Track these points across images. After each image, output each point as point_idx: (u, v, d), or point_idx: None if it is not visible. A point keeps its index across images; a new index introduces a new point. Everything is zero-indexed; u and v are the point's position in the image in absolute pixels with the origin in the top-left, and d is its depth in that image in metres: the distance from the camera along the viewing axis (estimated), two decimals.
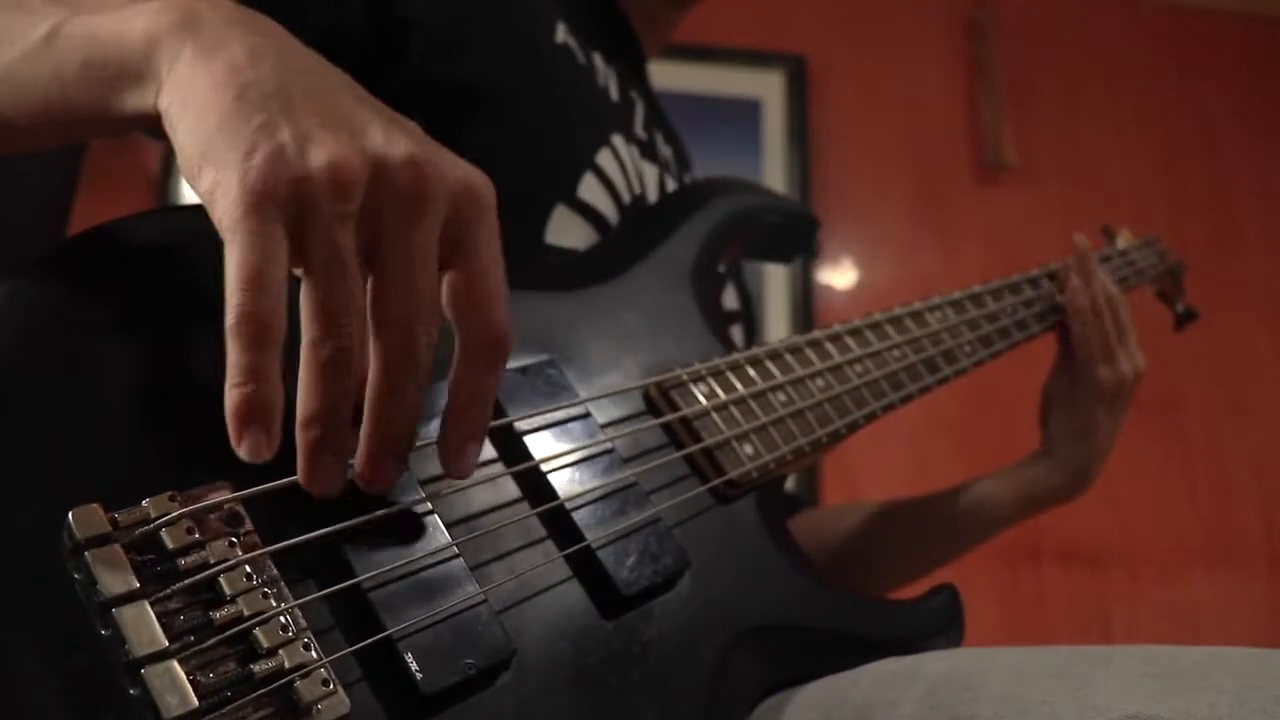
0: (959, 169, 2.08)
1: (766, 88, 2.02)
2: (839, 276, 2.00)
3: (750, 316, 0.81)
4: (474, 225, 0.37)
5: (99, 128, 0.40)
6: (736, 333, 0.77)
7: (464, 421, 0.39)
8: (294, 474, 0.36)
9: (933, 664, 0.47)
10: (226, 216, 0.32)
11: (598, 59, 0.74)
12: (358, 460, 0.37)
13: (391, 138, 0.35)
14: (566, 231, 0.64)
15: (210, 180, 0.33)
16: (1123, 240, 1.02)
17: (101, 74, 0.38)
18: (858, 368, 0.65)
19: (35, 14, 0.40)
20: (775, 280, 1.90)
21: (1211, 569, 1.91)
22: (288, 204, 0.33)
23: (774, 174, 1.98)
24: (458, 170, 0.37)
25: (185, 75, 0.35)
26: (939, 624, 0.60)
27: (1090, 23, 2.23)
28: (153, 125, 0.37)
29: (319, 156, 0.33)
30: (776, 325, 1.87)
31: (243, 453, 0.33)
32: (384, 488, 0.39)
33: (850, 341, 0.66)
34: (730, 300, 0.76)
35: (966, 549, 0.86)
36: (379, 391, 0.36)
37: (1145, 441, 1.94)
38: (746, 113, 2.00)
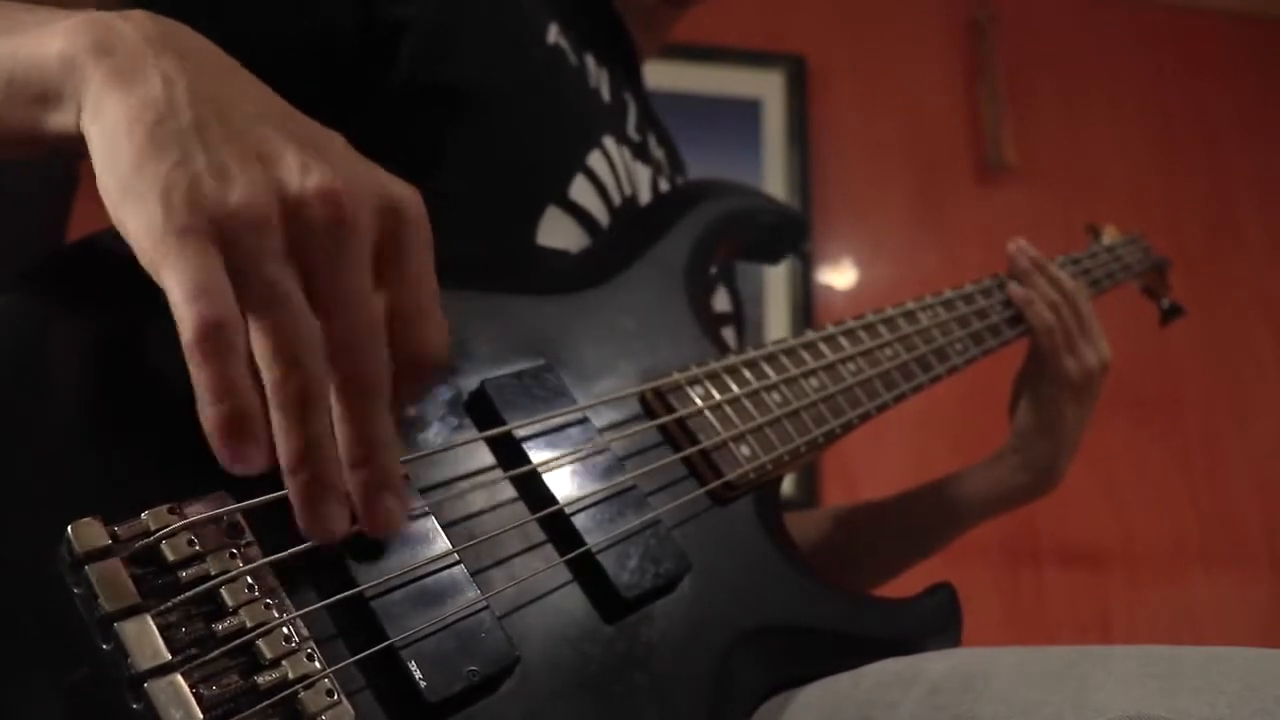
0: (959, 169, 2.07)
1: (766, 88, 2.02)
2: (839, 276, 2.00)
3: (741, 319, 0.82)
4: (401, 241, 0.37)
5: (34, 147, 0.40)
6: (728, 335, 0.77)
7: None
8: None
9: (933, 664, 0.47)
10: (154, 250, 0.32)
11: (590, 60, 0.74)
12: (358, 509, 0.36)
13: (306, 168, 0.34)
14: (557, 233, 0.64)
15: (131, 222, 0.33)
16: (1108, 237, 1.02)
17: (25, 93, 0.37)
18: (851, 366, 0.65)
19: None
20: (775, 280, 1.90)
21: (1211, 569, 1.91)
22: (212, 235, 0.32)
23: (774, 174, 1.98)
24: (381, 188, 0.36)
25: (99, 103, 0.35)
26: (937, 623, 0.60)
27: (1090, 23, 2.23)
28: (81, 143, 0.36)
29: (234, 195, 0.33)
30: (777, 325, 1.87)
31: (238, 469, 0.32)
32: (394, 526, 0.37)
33: (843, 341, 0.66)
34: (721, 303, 0.77)
35: (935, 549, 0.87)
36: (350, 430, 0.35)
37: (1145, 441, 1.94)
38: (746, 113, 2.00)
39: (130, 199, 0.33)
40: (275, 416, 0.33)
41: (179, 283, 0.31)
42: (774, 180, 1.97)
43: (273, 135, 0.35)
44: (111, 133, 0.34)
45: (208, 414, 0.32)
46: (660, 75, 0.94)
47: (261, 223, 0.33)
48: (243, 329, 0.32)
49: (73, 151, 0.37)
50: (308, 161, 0.35)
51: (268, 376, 0.33)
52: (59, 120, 0.37)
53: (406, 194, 0.37)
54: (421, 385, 0.38)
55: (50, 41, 0.37)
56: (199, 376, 0.32)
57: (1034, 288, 0.82)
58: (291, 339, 0.33)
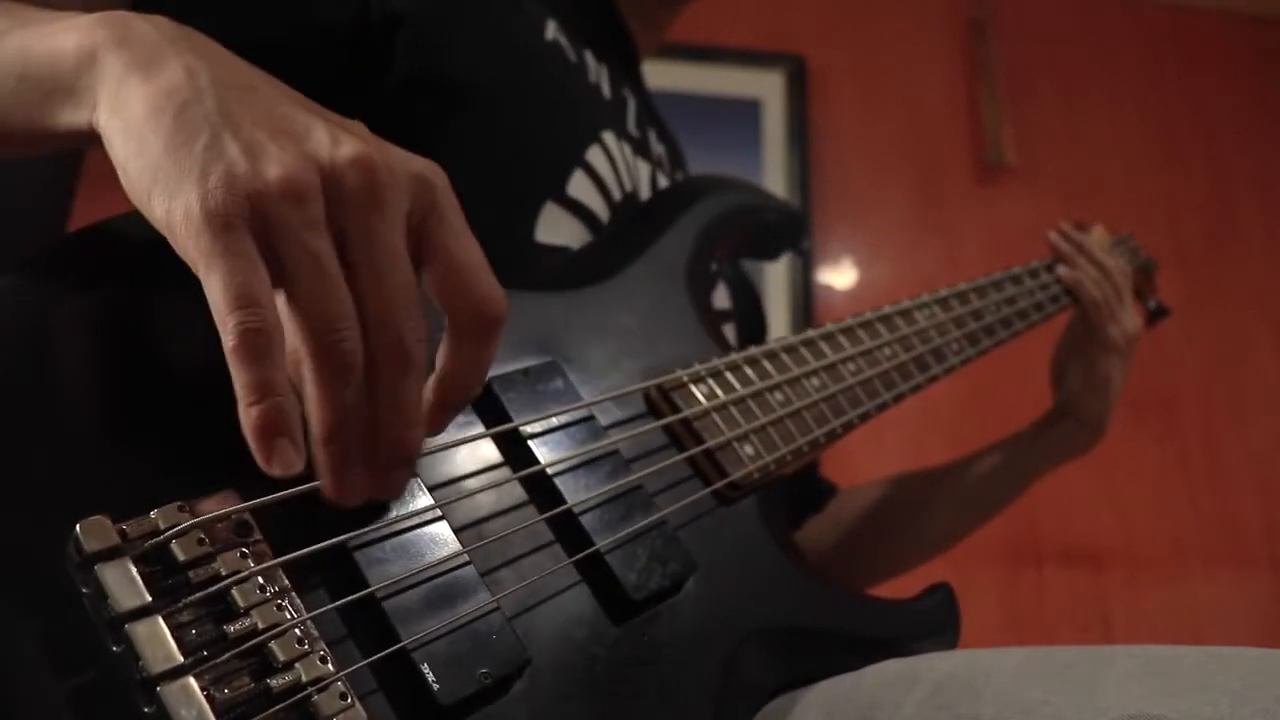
0: (959, 169, 2.07)
1: (766, 88, 2.02)
2: (839, 276, 2.00)
3: (749, 314, 0.82)
4: (435, 210, 0.37)
5: (34, 143, 0.40)
6: (728, 332, 0.77)
7: (452, 388, 0.39)
8: (301, 482, 0.36)
9: (935, 665, 0.47)
10: (194, 246, 0.32)
11: (588, 56, 0.74)
12: (372, 477, 0.36)
13: (337, 139, 0.35)
14: (556, 229, 0.64)
15: (164, 208, 0.33)
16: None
17: (36, 90, 0.37)
18: (851, 366, 0.65)
19: None
20: (775, 280, 1.90)
21: (1211, 569, 1.91)
22: (251, 220, 0.32)
23: (774, 174, 1.97)
24: (407, 163, 0.37)
25: (120, 94, 0.35)
26: (935, 623, 0.60)
27: (1090, 23, 2.23)
28: (87, 141, 0.37)
29: (271, 170, 0.33)
30: (776, 325, 1.87)
31: (275, 470, 0.32)
32: (396, 495, 0.38)
33: (843, 340, 0.66)
34: (720, 299, 0.77)
35: (995, 512, 0.92)
36: (377, 395, 0.35)
37: (1144, 442, 1.94)
38: (746, 113, 2.00)
39: (162, 186, 0.33)
40: (312, 390, 0.34)
41: (221, 287, 0.31)
42: (774, 180, 1.97)
43: (299, 114, 0.36)
44: (136, 123, 0.34)
45: (249, 414, 0.32)
46: (660, 75, 0.94)
47: (299, 194, 0.33)
48: (281, 332, 0.33)
49: (77, 146, 0.37)
50: (337, 134, 0.35)
51: (308, 346, 0.33)
52: (68, 116, 0.37)
53: (432, 169, 0.38)
54: (492, 341, 0.38)
55: (66, 36, 0.37)
56: (239, 378, 0.32)
57: (1078, 268, 0.90)
58: (331, 306, 0.33)
